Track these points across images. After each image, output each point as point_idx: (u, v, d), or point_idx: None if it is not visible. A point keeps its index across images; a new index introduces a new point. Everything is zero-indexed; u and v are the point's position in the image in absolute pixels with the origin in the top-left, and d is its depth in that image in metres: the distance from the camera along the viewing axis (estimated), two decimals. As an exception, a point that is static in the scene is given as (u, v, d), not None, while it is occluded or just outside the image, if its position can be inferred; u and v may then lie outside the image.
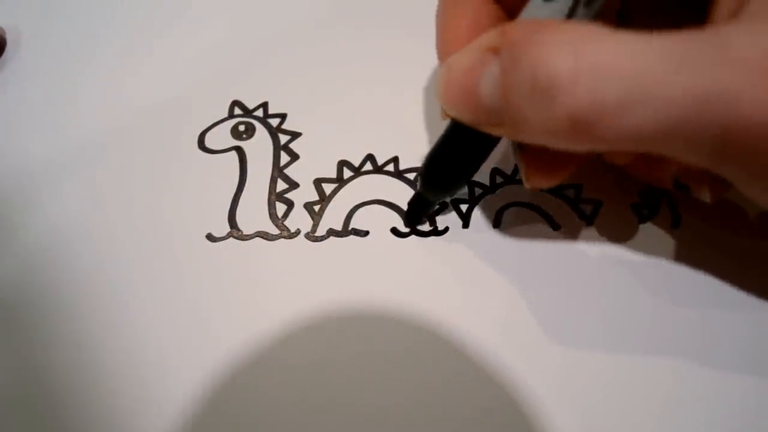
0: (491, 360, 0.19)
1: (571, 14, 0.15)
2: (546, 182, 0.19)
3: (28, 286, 0.21)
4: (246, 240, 0.22)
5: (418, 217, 0.22)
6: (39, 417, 0.19)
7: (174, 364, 0.20)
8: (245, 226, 0.22)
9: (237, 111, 0.25)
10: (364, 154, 0.24)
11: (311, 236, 0.22)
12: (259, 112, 0.25)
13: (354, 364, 0.20)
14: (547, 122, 0.14)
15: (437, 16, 0.19)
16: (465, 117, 0.16)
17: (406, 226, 0.22)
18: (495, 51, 0.15)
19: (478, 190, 0.23)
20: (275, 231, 0.22)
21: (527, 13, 0.16)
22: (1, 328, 0.20)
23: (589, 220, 0.22)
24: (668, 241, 0.21)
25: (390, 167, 0.23)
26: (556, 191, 0.23)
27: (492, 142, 0.18)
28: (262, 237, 0.22)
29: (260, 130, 0.25)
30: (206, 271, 0.21)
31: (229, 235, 0.22)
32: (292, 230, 0.22)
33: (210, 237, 0.22)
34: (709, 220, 0.22)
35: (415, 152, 0.24)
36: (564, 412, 0.19)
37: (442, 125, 0.24)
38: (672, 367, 0.19)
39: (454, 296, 0.21)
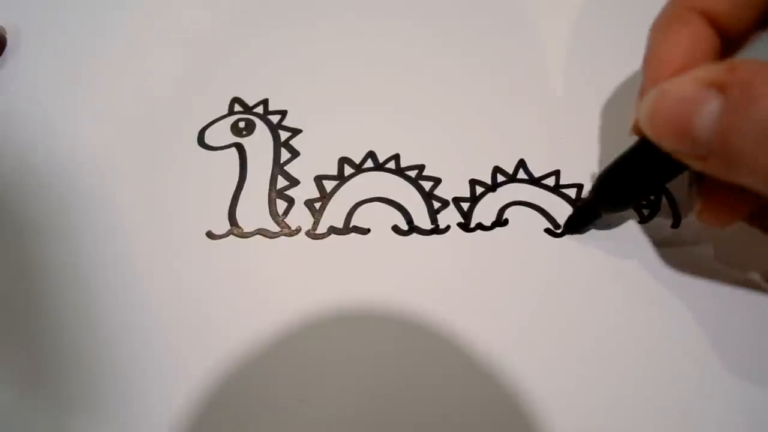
0: (491, 358, 0.19)
1: None
2: (717, 221, 0.19)
3: (28, 283, 0.21)
4: (246, 238, 0.22)
5: (580, 227, 0.22)
6: (39, 417, 0.19)
7: (174, 362, 0.19)
8: (245, 223, 0.22)
9: (237, 108, 0.25)
10: (365, 152, 0.24)
11: (312, 234, 0.22)
12: (260, 109, 0.25)
13: (354, 362, 0.19)
14: None
15: (651, 34, 0.19)
16: (667, 144, 0.16)
17: (564, 231, 0.22)
18: (719, 87, 0.15)
19: (479, 189, 0.23)
20: (276, 228, 0.22)
21: (751, 52, 0.16)
22: (2, 326, 0.20)
23: (590, 219, 0.22)
24: (669, 241, 0.21)
25: (391, 164, 0.23)
26: (557, 190, 0.23)
27: (680, 169, 0.18)
28: (263, 235, 0.22)
29: (260, 127, 0.25)
30: (206, 269, 0.21)
31: (229, 233, 0.22)
32: (293, 228, 0.22)
33: (210, 235, 0.22)
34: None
35: (415, 150, 0.23)
36: (564, 412, 0.19)
37: (441, 122, 0.24)
38: (672, 368, 0.19)
39: (455, 294, 0.20)
